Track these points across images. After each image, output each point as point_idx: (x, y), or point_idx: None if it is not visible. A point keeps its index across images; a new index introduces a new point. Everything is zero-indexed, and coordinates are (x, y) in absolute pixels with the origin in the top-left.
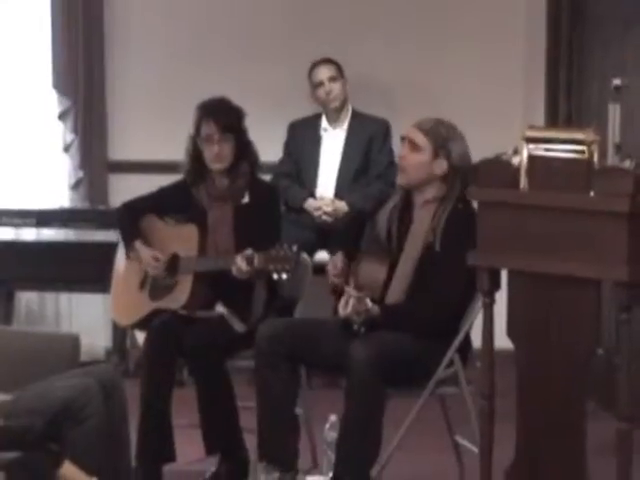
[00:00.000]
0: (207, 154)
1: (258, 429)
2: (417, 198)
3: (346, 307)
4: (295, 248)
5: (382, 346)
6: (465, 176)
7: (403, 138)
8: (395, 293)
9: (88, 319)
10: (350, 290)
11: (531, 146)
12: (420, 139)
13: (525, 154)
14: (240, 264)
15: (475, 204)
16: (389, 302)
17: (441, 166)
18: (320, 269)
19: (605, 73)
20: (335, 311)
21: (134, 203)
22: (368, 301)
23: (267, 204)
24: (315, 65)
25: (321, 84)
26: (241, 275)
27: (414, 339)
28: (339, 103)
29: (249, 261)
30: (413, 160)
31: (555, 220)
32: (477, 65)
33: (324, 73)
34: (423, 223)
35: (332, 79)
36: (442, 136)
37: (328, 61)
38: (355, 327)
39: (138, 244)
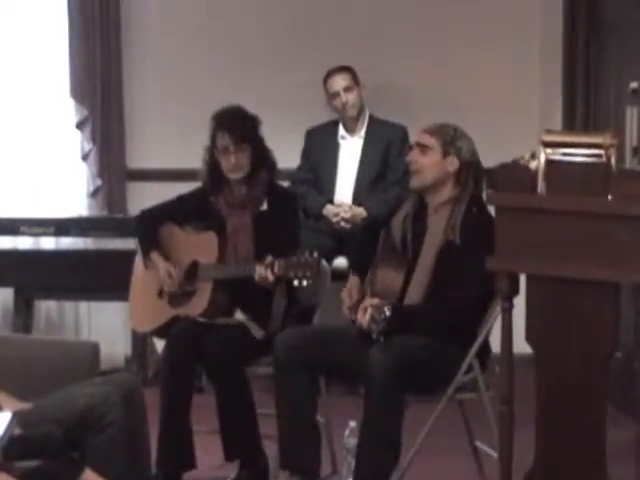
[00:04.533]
0: (224, 165)
1: (279, 438)
2: (431, 201)
3: (364, 316)
4: (316, 255)
5: (401, 352)
6: (477, 174)
7: (410, 147)
8: (412, 299)
9: (107, 327)
10: (367, 300)
11: (548, 150)
12: (427, 140)
13: (543, 158)
14: (265, 274)
15: (490, 208)
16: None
17: (453, 163)
18: (339, 275)
19: (622, 77)
20: (354, 320)
21: (152, 211)
22: (386, 309)
23: (286, 211)
24: (330, 74)
25: (337, 95)
26: (266, 284)
27: (433, 345)
28: (356, 112)
29: (270, 268)
30: (424, 162)
31: (573, 224)
32: (494, 70)
33: (339, 84)
34: (439, 226)
35: (347, 89)
36: (449, 134)
37: (343, 69)
38: (374, 336)
39: (155, 256)
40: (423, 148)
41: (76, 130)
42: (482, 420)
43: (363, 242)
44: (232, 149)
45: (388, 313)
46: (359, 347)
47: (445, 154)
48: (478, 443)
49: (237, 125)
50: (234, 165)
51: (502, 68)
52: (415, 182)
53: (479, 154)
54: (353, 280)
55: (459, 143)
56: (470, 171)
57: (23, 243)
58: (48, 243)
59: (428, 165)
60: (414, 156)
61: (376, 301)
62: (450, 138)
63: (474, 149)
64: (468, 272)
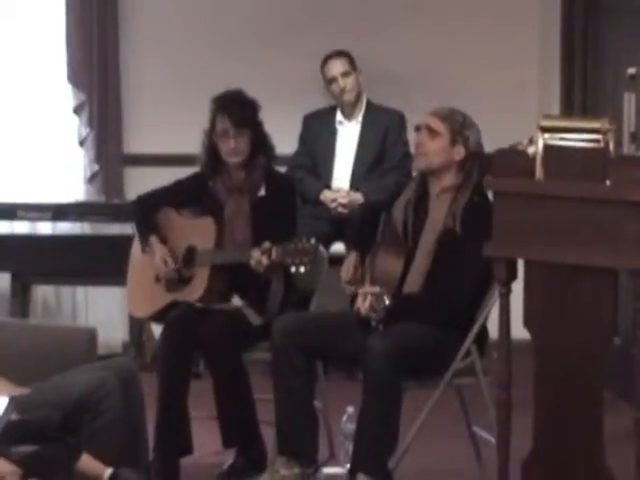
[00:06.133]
0: (223, 149)
1: (277, 424)
2: (433, 187)
3: (363, 303)
4: (313, 241)
5: (399, 339)
6: (482, 164)
7: (418, 127)
8: (412, 285)
9: (105, 312)
10: (367, 287)
11: (546, 136)
12: (438, 125)
13: (541, 144)
14: (259, 258)
15: (491, 195)
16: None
17: (459, 152)
18: (336, 261)
19: (620, 62)
20: (352, 303)
21: (150, 196)
22: (386, 298)
23: (284, 196)
24: (327, 59)
25: (334, 80)
26: (260, 268)
27: (431, 330)
28: (353, 97)
29: (267, 254)
30: (432, 146)
31: (571, 210)
32: (492, 56)
33: (337, 68)
34: (440, 212)
35: (345, 74)
36: (459, 122)
37: (340, 54)
38: (373, 324)
39: (152, 240)
40: (432, 132)
41: (73, 115)
42: (480, 405)
43: (363, 222)
44: (232, 133)
45: (388, 302)
46: (357, 333)
47: (453, 142)
48: (476, 428)
49: (237, 109)
50: (233, 149)
51: (500, 54)
52: (421, 163)
53: None
54: (352, 256)
55: (467, 132)
56: (475, 161)
57: (20, 228)
58: (45, 228)
59: (435, 150)
60: (422, 139)
61: (376, 289)
62: (459, 126)
63: (480, 138)
64: (468, 261)
